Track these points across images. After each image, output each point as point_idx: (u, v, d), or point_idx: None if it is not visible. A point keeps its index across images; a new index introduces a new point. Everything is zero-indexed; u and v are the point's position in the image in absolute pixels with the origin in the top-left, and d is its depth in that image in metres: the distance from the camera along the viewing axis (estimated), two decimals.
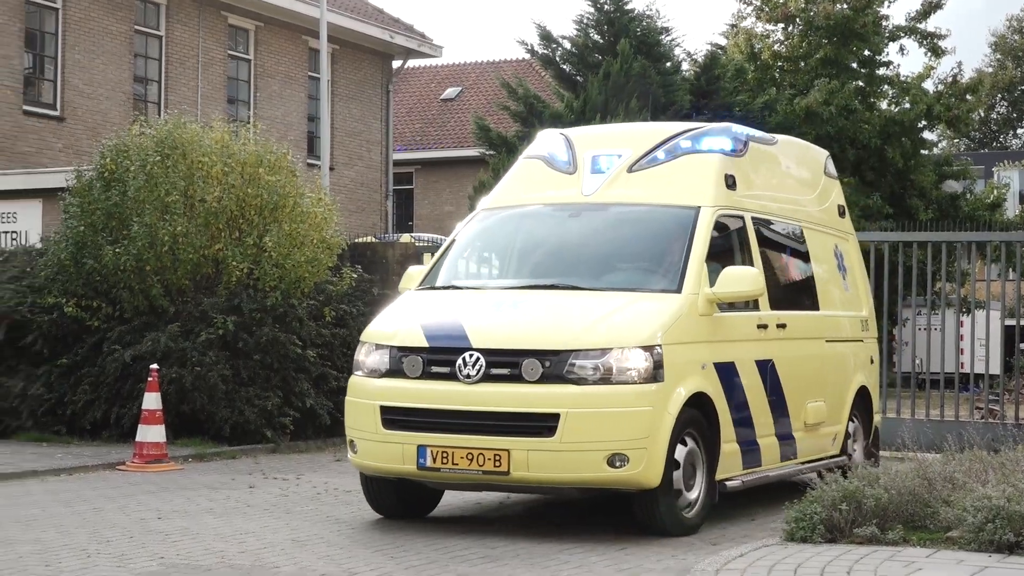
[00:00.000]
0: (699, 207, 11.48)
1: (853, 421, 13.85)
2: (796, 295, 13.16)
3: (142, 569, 9.10)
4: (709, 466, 10.74)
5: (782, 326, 12.09)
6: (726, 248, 11.90)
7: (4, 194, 21.87)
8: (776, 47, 38.55)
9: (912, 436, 12.81)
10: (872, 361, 14.60)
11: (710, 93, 30.09)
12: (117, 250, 17.35)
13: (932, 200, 37.54)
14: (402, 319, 11.20)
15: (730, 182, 11.91)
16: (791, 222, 13.14)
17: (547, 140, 13.02)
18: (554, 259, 11.96)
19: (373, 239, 24.38)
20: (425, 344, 10.61)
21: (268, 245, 17.52)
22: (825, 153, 14.93)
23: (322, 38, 26.53)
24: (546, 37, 31.54)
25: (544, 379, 10.08)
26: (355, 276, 19.32)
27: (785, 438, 12.15)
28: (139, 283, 17.50)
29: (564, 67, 31.98)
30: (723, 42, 38.52)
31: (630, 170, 12.05)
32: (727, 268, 11.11)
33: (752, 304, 11.63)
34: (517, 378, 10.15)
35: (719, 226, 11.69)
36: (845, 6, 36.70)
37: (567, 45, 31.65)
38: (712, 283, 10.96)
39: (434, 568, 9.17)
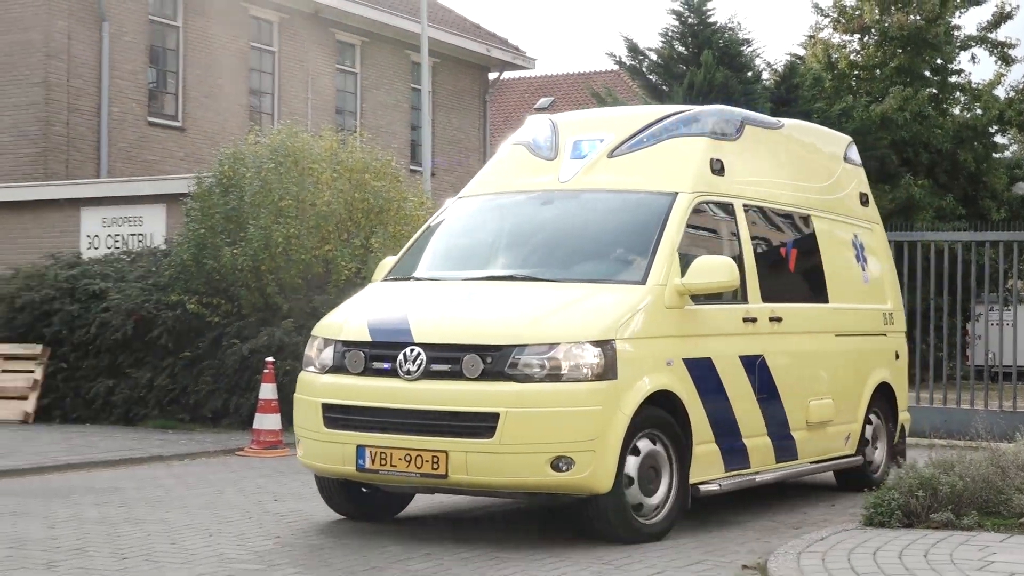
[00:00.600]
0: (676, 193, 10.13)
1: (873, 419, 12.32)
2: (798, 287, 11.71)
3: (260, 547, 9.16)
4: (679, 469, 9.38)
5: (777, 319, 10.71)
6: (712, 237, 10.68)
7: (131, 199, 22.09)
8: (852, 57, 38.11)
9: (985, 426, 11.56)
10: (897, 356, 12.96)
11: (789, 101, 29.74)
12: (235, 251, 17.57)
13: (1004, 201, 37.07)
14: (352, 312, 10.07)
15: (717, 167, 10.55)
16: (796, 210, 11.66)
17: (533, 125, 11.62)
18: (519, 249, 10.62)
19: None
20: (368, 339, 9.48)
21: (374, 246, 17.54)
22: (846, 140, 13.33)
23: (423, 52, 26.58)
24: (633, 49, 31.39)
25: (485, 376, 8.83)
26: None
27: (781, 438, 10.76)
28: (255, 282, 17.71)
29: (650, 77, 31.77)
30: (802, 52, 38.05)
31: (611, 155, 10.70)
32: (699, 258, 9.67)
33: (739, 296, 10.33)
34: (458, 375, 8.93)
35: (702, 214, 10.47)
36: (918, 17, 36.23)
37: (653, 57, 31.46)
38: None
39: None
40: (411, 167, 29.25)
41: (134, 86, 26.02)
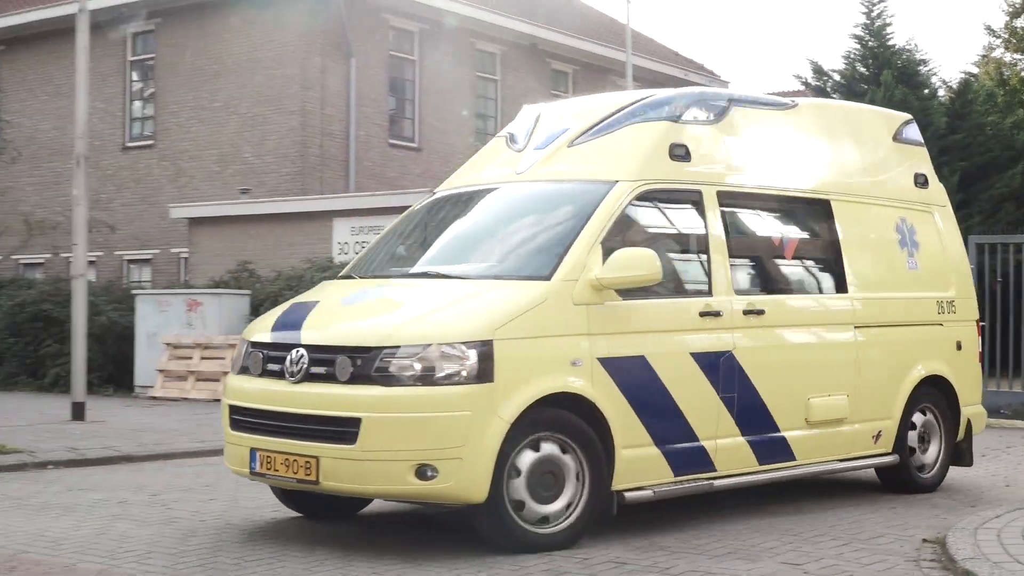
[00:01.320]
0: (614, 182, 8.54)
1: (922, 416, 10.35)
2: (799, 277, 9.98)
3: None
4: (592, 475, 7.80)
5: (756, 312, 8.96)
6: (665, 227, 9.12)
7: (375, 211, 22.53)
8: (1023, 74, 36.99)
9: None
10: (960, 347, 10.73)
11: (964, 115, 28.87)
12: None
13: None
14: (275, 311, 8.96)
15: (679, 152, 8.88)
16: (807, 194, 9.83)
17: (521, 115, 10.26)
18: (451, 245, 9.26)
19: None
20: (268, 339, 8.34)
21: None
22: (900, 118, 11.20)
23: (628, 78, 26.66)
24: (818, 71, 30.86)
25: (353, 379, 7.55)
26: None
27: (766, 438, 9.01)
28: None
29: (834, 96, 31.23)
30: (975, 71, 37.09)
31: (571, 144, 9.24)
32: (619, 251, 8.03)
33: (704, 289, 8.79)
34: (332, 378, 7.67)
35: (653, 203, 8.88)
36: None
37: (836, 77, 30.86)
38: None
39: None
40: None
41: (377, 113, 26.61)
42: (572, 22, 31.65)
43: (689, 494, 8.59)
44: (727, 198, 9.22)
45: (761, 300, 9.20)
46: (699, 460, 8.56)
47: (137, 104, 28.15)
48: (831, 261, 9.99)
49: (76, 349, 16.66)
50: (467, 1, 27.70)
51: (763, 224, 9.86)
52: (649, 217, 8.94)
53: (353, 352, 7.58)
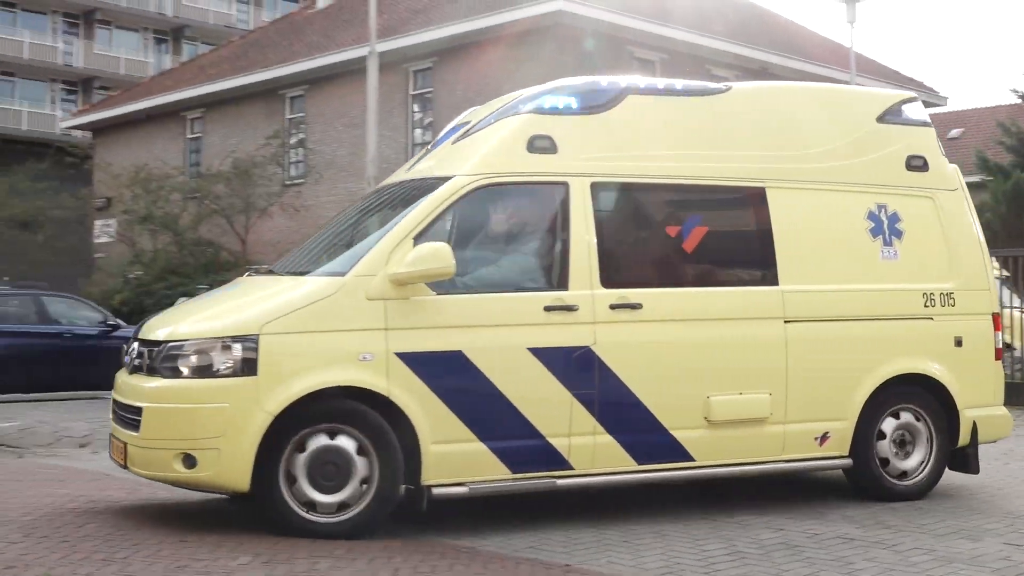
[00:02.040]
0: (450, 178, 7.71)
1: (897, 419, 8.61)
2: (699, 269, 8.38)
3: None
4: (383, 468, 7.09)
5: (631, 306, 7.72)
6: (520, 221, 8.13)
7: None
8: None
9: None
10: (960, 344, 8.80)
11: None
12: None
13: None
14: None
15: (543, 144, 7.84)
16: (728, 183, 8.34)
17: (464, 114, 9.36)
18: (325, 242, 8.59)
19: None
20: (135, 335, 7.90)
21: None
22: (894, 98, 9.32)
23: None
24: None
25: (149, 371, 7.21)
26: None
27: (642, 438, 7.78)
28: None
29: None
30: None
31: (455, 142, 8.44)
32: (419, 245, 7.23)
33: (556, 282, 7.68)
34: (140, 369, 7.36)
35: (505, 196, 7.93)
36: None
37: None
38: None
39: None
40: None
41: None
42: (799, 47, 30.96)
43: (527, 491, 7.70)
44: (607, 189, 8.07)
45: (639, 294, 7.84)
46: (546, 458, 7.53)
47: (418, 131, 28.93)
48: (758, 252, 8.42)
49: None
50: (702, 32, 27.45)
51: (657, 215, 8.44)
52: (493, 211, 8.01)
53: (152, 346, 7.27)
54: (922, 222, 8.90)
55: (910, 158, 8.97)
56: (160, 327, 7.47)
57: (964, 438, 8.79)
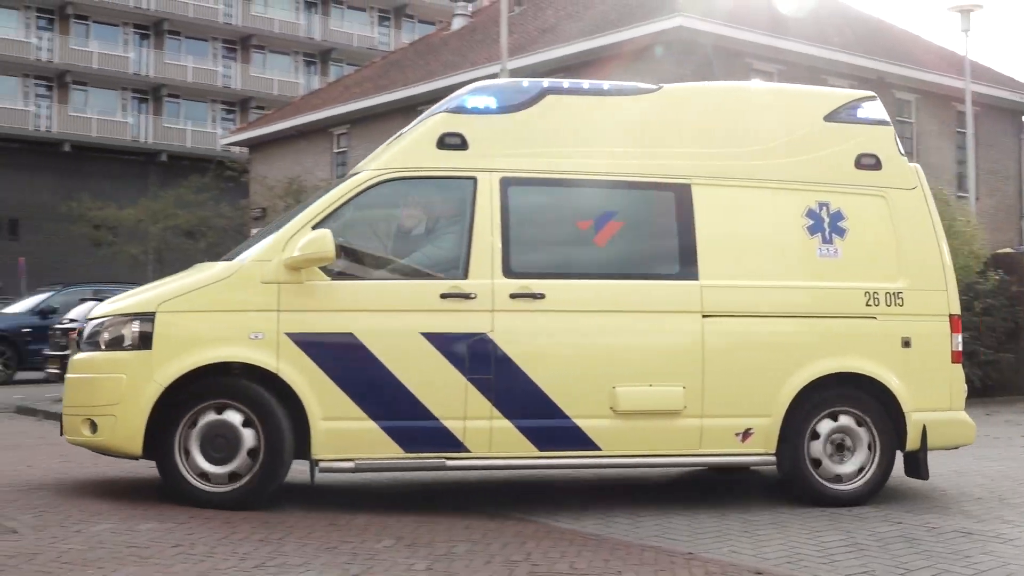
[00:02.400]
0: (357, 173, 7.89)
1: (833, 421, 7.95)
2: (620, 262, 7.92)
3: None
4: (268, 441, 7.17)
5: (533, 296, 7.52)
6: (422, 212, 7.96)
7: None
8: None
9: None
10: (908, 344, 8.01)
11: None
12: None
13: None
14: None
15: (452, 142, 7.75)
16: (650, 179, 7.94)
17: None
18: (254, 236, 8.45)
19: (1011, 251, 22.80)
20: None
21: None
22: (846, 97, 8.59)
23: (967, 103, 25.06)
24: None
25: (79, 346, 7.60)
26: (997, 278, 18.18)
27: (542, 425, 7.50)
28: None
29: None
30: None
31: (390, 141, 8.46)
32: (311, 232, 7.28)
33: (456, 271, 7.55)
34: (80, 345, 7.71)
35: (409, 190, 7.82)
36: None
37: None
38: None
39: None
40: (958, 194, 27.63)
41: None
42: (914, 56, 30.15)
43: (417, 470, 7.62)
44: (517, 184, 7.80)
45: (541, 284, 7.58)
46: (440, 439, 7.36)
47: None
48: (679, 247, 7.94)
49: None
50: (818, 43, 26.93)
51: (568, 210, 8.02)
52: (400, 203, 7.89)
53: (84, 323, 7.71)
54: (870, 221, 8.21)
55: (861, 156, 8.27)
56: (99, 307, 7.83)
57: (914, 443, 7.99)
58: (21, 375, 21.68)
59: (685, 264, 7.87)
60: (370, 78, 37.00)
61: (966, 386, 8.29)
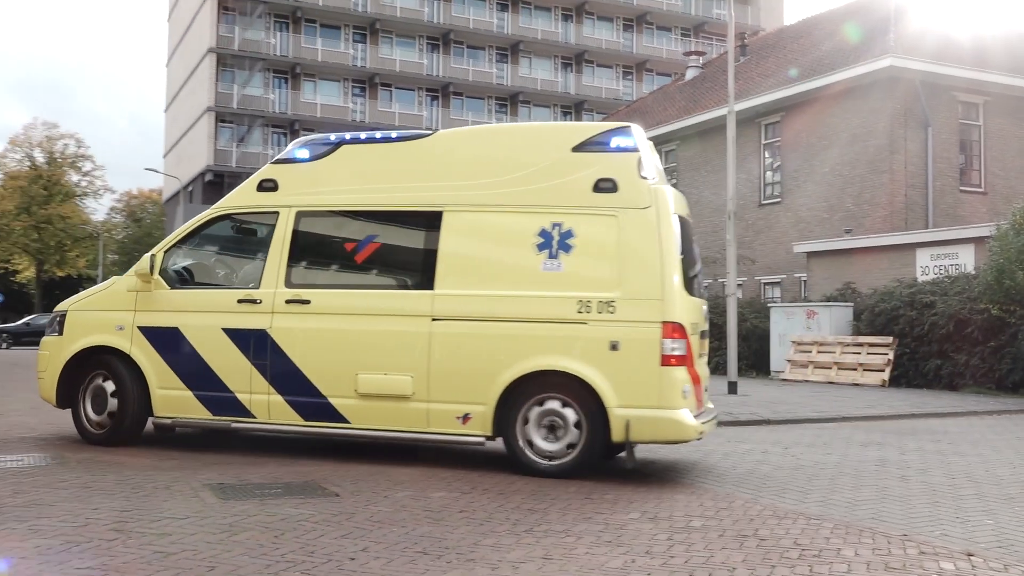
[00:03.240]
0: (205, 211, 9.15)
1: (540, 405, 7.72)
2: (373, 276, 8.38)
3: None
4: (122, 400, 8.71)
5: (301, 301, 8.26)
6: (240, 239, 9.11)
7: (949, 242, 21.02)
8: None
9: None
10: (615, 348, 7.55)
11: None
12: None
13: None
14: None
15: (267, 185, 8.64)
16: (409, 208, 8.23)
17: None
18: None
19: None
20: None
21: None
22: (595, 129, 8.15)
23: None
24: None
25: (47, 331, 9.34)
26: None
27: (305, 401, 8.15)
28: None
29: None
30: None
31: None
32: (145, 255, 8.82)
33: (254, 283, 8.48)
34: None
35: (237, 222, 8.93)
36: None
37: None
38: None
39: None
40: None
41: (949, 167, 24.58)
42: None
43: (215, 428, 8.53)
44: (309, 216, 8.56)
45: (310, 292, 8.33)
46: (235, 407, 8.37)
47: (768, 174, 28.21)
48: (422, 263, 8.17)
49: (729, 345, 17.02)
50: (1020, 75, 24.96)
51: (340, 235, 8.61)
52: (229, 232, 9.03)
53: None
54: (598, 238, 7.83)
55: (599, 181, 7.89)
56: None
57: (619, 435, 7.55)
58: None
59: (425, 277, 8.14)
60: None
61: (688, 387, 7.66)
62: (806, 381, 20.04)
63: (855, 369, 19.71)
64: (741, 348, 21.10)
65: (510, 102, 60.36)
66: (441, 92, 58.72)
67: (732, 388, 16.40)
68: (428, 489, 7.00)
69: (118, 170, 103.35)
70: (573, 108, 61.91)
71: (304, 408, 8.24)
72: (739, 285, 25.68)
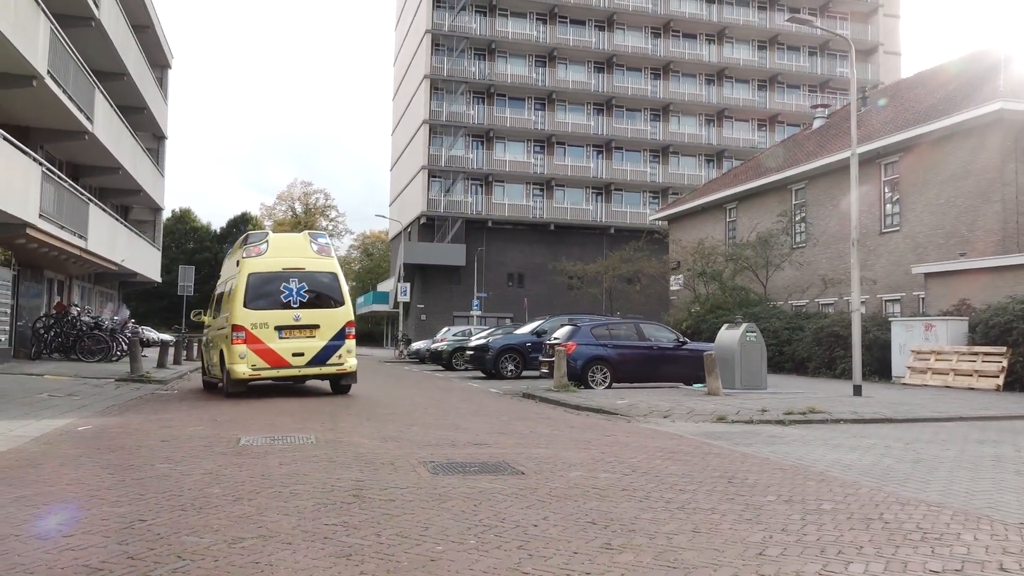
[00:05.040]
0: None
1: None
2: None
3: None
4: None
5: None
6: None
7: None
8: None
9: None
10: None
11: None
12: None
13: None
14: None
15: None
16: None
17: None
18: None
19: None
20: None
21: None
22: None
23: None
24: None
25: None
26: None
27: None
28: None
29: None
30: None
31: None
32: None
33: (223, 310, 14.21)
34: None
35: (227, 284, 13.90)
36: None
37: None
38: None
39: None
40: None
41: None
42: None
43: None
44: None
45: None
46: None
47: (888, 206, 26.59)
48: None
49: (854, 354, 16.10)
50: None
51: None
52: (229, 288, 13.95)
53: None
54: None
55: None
56: None
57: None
58: (525, 373, 23.20)
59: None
60: (752, 168, 36.04)
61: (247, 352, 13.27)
62: (925, 386, 18.69)
63: (971, 375, 18.22)
64: (865, 356, 19.99)
65: (662, 154, 59.62)
66: (605, 147, 58.64)
67: (857, 391, 15.47)
68: (596, 471, 6.95)
69: (356, 215, 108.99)
70: (715, 156, 60.48)
71: None
72: (863, 302, 24.36)
